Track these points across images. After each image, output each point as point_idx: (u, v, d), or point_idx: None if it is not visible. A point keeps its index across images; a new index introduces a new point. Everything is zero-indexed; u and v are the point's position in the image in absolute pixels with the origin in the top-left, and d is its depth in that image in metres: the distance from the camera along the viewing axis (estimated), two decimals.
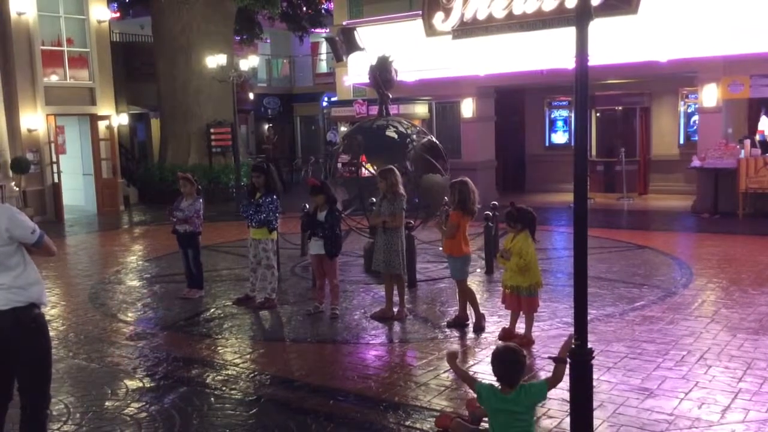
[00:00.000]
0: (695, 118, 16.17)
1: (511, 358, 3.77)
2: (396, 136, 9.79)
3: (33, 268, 3.93)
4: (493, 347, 6.39)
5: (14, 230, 3.78)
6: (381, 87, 9.96)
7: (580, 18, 3.80)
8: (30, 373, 3.92)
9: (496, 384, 3.87)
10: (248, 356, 6.47)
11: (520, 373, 3.79)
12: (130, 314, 8.13)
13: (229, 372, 6.01)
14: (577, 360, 4.02)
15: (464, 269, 7.10)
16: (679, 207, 15.03)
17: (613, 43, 13.05)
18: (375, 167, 9.30)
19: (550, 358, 3.95)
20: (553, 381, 3.88)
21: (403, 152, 9.61)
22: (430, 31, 13.63)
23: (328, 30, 26.88)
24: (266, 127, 26.97)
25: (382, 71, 9.74)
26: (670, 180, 17.20)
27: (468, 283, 7.24)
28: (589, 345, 4.13)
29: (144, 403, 5.36)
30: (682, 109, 17.39)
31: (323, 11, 26.15)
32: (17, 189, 15.86)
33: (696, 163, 14.16)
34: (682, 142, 17.38)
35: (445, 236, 6.96)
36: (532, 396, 3.81)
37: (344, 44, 10.59)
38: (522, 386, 3.79)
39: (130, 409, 5.26)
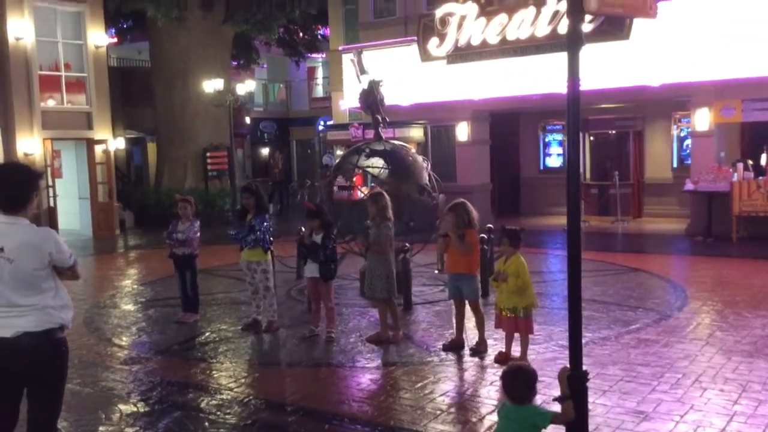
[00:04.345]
0: (688, 141, 16.31)
1: (518, 377, 3.81)
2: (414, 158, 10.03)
3: (65, 291, 3.97)
4: (488, 371, 6.44)
5: (57, 255, 3.85)
6: (377, 110, 10.06)
7: (571, 44, 3.87)
8: (48, 397, 3.90)
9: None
10: (243, 380, 6.45)
11: (527, 389, 3.81)
12: (124, 338, 8.10)
13: (224, 396, 5.99)
14: (572, 383, 4.03)
15: (479, 288, 7.20)
16: (674, 230, 15.08)
17: (606, 67, 13.19)
18: (367, 188, 9.36)
19: (554, 399, 3.99)
20: (562, 418, 3.89)
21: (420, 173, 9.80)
22: (425, 56, 13.67)
23: (324, 55, 27.11)
24: (276, 151, 27.14)
25: (372, 95, 9.88)
26: (664, 203, 17.28)
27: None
28: (585, 368, 4.14)
29: (138, 428, 5.33)
30: (675, 132, 17.53)
31: (319, 37, 26.40)
32: None
33: (689, 186, 14.26)
34: (675, 165, 17.50)
35: (465, 253, 6.94)
36: (535, 417, 3.81)
37: (359, 65, 10.79)
38: (534, 407, 3.81)
39: None
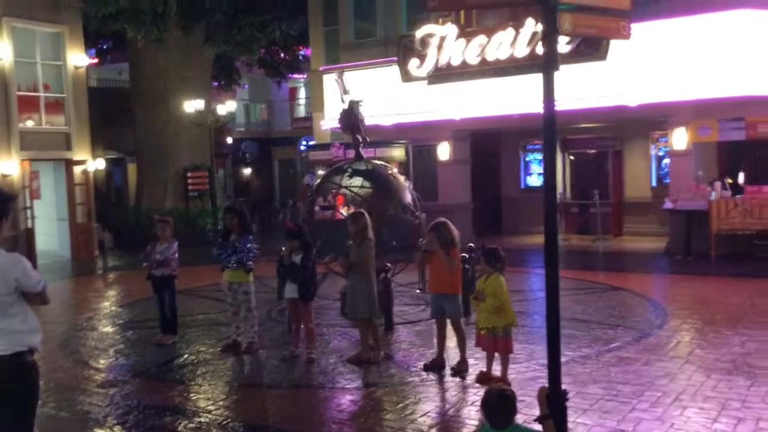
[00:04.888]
0: (666, 160, 16.51)
1: (500, 403, 3.76)
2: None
3: (34, 316, 3.93)
4: (470, 390, 6.42)
5: (23, 280, 3.85)
6: (358, 130, 10.09)
7: (547, 66, 3.91)
8: (19, 421, 3.85)
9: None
10: (221, 403, 6.36)
11: (509, 414, 3.77)
12: (101, 361, 7.98)
13: (202, 420, 5.90)
14: (551, 402, 4.02)
15: (461, 307, 7.22)
16: (653, 248, 15.19)
17: (584, 87, 13.36)
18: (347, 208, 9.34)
19: (535, 420, 3.97)
20: None
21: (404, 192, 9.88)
22: (406, 76, 13.79)
23: (305, 75, 27.18)
24: (252, 172, 27.10)
25: (352, 115, 9.93)
26: (643, 222, 17.42)
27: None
28: (565, 387, 4.14)
29: None
30: (653, 152, 17.73)
31: (300, 57, 26.50)
32: None
33: (668, 205, 14.40)
34: (654, 184, 17.67)
35: (449, 272, 6.97)
36: None
37: (342, 86, 10.85)
38: (516, 426, 3.78)
39: None
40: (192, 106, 19.85)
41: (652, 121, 15.88)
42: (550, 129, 3.99)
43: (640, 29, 12.78)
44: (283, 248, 7.71)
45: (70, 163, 17.86)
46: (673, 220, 14.48)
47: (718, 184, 13.95)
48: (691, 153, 14.59)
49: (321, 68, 19.38)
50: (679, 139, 14.57)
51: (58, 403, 6.40)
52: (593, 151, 18.40)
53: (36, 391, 3.95)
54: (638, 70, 13.41)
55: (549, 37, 3.99)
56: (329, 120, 17.37)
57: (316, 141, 20.44)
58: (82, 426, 5.85)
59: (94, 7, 17.90)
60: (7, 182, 16.45)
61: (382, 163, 11.11)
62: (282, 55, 26.38)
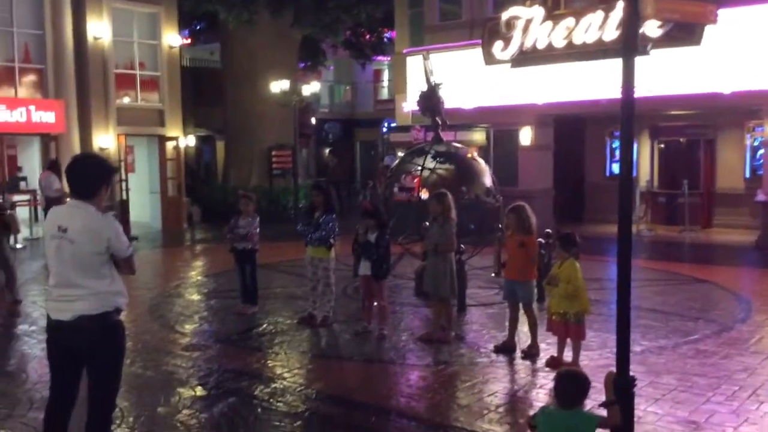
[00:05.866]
0: (761, 151, 15.75)
1: (572, 384, 3.78)
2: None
3: (120, 280, 4.19)
4: (539, 374, 6.42)
5: (115, 242, 4.07)
6: (438, 113, 10.13)
7: (626, 50, 3.87)
8: (106, 375, 4.11)
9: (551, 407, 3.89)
10: (296, 371, 6.62)
11: (577, 396, 3.79)
12: (186, 326, 8.41)
13: (277, 385, 6.16)
14: (618, 388, 4.00)
15: (534, 292, 7.25)
16: (744, 242, 14.58)
17: (677, 73, 12.90)
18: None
19: (600, 405, 3.96)
20: (606, 423, 3.84)
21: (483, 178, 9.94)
22: (489, 59, 13.69)
23: (389, 58, 27.30)
24: (330, 153, 27.57)
25: (432, 97, 9.95)
26: (734, 214, 16.70)
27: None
28: (639, 376, 4.10)
29: (194, 411, 5.56)
30: (748, 141, 16.94)
31: (385, 39, 26.61)
32: None
33: (761, 197, 13.79)
34: (747, 175, 16.89)
35: (525, 258, 6.99)
36: (582, 424, 3.79)
37: (427, 68, 10.94)
38: (578, 411, 3.79)
39: (180, 415, 5.47)
40: (278, 86, 20.31)
41: (747, 109, 15.17)
42: (628, 117, 3.95)
43: (734, 14, 12.25)
44: (359, 227, 7.88)
45: (162, 139, 18.65)
46: (766, 213, 13.85)
47: None
48: None
49: (405, 50, 19.45)
50: None
51: (145, 363, 6.81)
52: (684, 139, 17.74)
53: (122, 348, 4.21)
54: (733, 56, 12.84)
55: (630, 21, 3.93)
56: (411, 102, 17.43)
57: (397, 123, 20.56)
58: (166, 385, 6.22)
59: None
60: (104, 155, 17.33)
61: (461, 146, 11.13)
62: (367, 36, 26.57)
